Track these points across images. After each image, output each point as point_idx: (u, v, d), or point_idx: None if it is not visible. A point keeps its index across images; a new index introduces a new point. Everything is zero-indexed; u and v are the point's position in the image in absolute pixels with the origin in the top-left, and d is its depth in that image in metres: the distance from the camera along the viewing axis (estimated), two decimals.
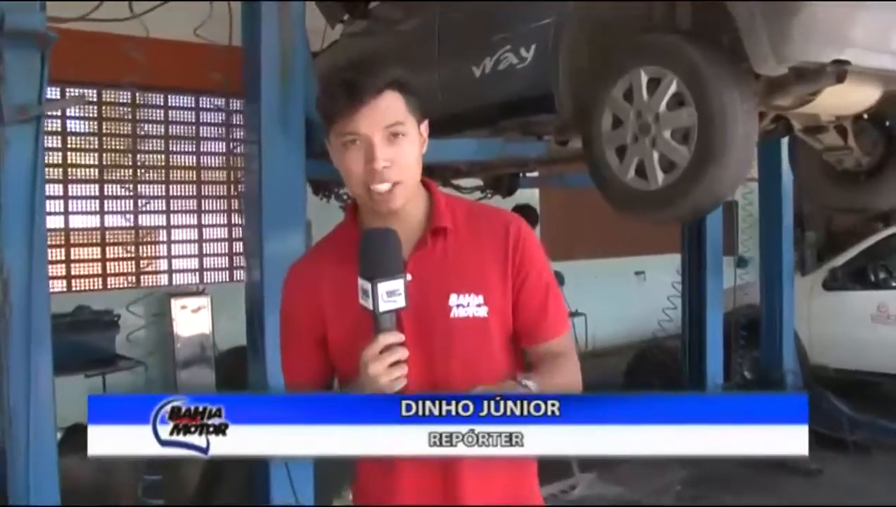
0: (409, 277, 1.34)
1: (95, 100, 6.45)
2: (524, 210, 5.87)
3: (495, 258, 1.47)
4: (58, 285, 6.28)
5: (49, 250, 2.79)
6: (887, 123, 3.62)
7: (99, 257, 6.74)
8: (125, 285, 6.82)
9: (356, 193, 1.44)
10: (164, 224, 7.08)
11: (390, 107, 1.39)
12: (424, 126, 1.48)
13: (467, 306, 1.45)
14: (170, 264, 7.14)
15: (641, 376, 6.11)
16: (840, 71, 2.58)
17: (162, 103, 6.93)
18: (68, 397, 2.60)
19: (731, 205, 6.89)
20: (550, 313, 1.52)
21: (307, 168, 3.40)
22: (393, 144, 1.38)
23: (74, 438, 3.47)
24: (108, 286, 6.78)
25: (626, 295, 9.37)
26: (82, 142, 6.59)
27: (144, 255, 7.07)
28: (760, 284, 6.31)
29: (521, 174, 6.04)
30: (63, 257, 6.49)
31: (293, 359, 1.59)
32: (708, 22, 2.82)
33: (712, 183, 2.63)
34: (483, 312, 1.45)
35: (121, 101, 6.68)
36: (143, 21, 3.31)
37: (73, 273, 6.59)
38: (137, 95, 6.54)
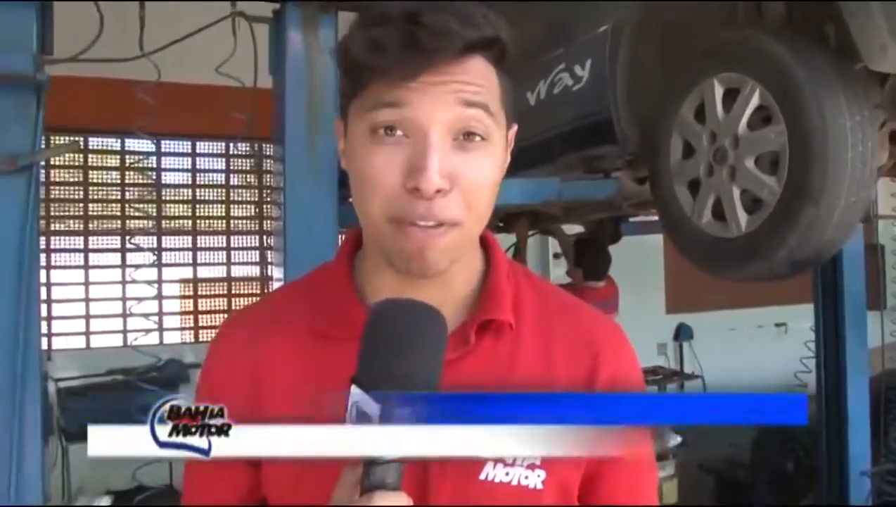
0: None
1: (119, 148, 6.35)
2: (596, 248, 5.17)
3: (572, 383, 0.93)
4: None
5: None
6: None
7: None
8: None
9: (370, 223, 0.87)
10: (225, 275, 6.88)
11: (476, 80, 0.83)
12: (512, 134, 0.92)
13: (512, 464, 0.88)
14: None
15: (769, 454, 5.32)
16: None
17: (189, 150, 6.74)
18: None
19: (876, 248, 6.01)
20: (641, 499, 0.98)
21: (341, 215, 3.00)
22: (464, 150, 0.83)
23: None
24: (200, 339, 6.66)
25: (764, 350, 8.50)
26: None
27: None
28: None
29: (626, 218, 5.37)
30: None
31: (200, 488, 0.98)
32: (806, 11, 2.14)
33: (811, 227, 1.92)
34: (537, 479, 0.89)
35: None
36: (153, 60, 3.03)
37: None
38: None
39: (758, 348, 8.76)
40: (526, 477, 0.88)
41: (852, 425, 4.58)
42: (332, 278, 0.96)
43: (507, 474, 0.88)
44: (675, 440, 5.52)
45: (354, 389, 0.74)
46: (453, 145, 0.82)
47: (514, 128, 0.93)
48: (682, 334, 8.93)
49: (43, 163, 3.32)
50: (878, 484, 4.62)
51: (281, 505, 0.92)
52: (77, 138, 5.45)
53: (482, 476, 0.87)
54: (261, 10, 3.18)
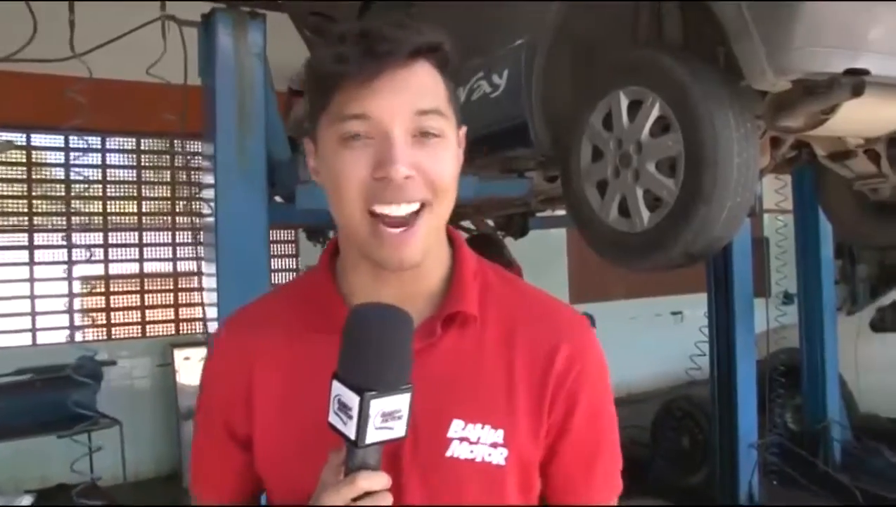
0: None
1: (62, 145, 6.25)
2: (483, 242, 5.33)
3: (531, 379, 0.99)
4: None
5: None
6: None
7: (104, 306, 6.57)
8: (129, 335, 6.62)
9: (349, 222, 0.95)
10: (171, 271, 6.85)
11: (427, 86, 0.93)
12: (462, 133, 1.02)
13: (476, 442, 0.96)
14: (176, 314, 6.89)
15: (667, 432, 5.62)
16: (856, 83, 2.10)
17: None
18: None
19: (762, 241, 6.42)
20: (597, 480, 1.07)
21: (270, 213, 3.11)
22: (423, 146, 0.92)
23: None
24: (113, 336, 6.57)
25: (662, 337, 8.90)
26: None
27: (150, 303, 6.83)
28: (799, 325, 5.84)
29: (534, 213, 5.57)
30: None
31: (205, 467, 1.10)
32: (700, 33, 2.40)
33: (703, 224, 2.18)
34: (499, 456, 0.96)
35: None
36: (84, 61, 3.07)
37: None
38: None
39: (656, 335, 9.17)
40: (489, 454, 0.95)
41: (741, 403, 4.89)
42: (315, 280, 1.05)
43: (471, 451, 0.95)
44: None
45: (336, 383, 0.84)
46: (413, 142, 0.91)
47: (464, 129, 1.02)
48: None
49: None
50: (764, 455, 4.99)
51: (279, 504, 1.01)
52: (13, 138, 5.38)
53: (448, 454, 0.94)
54: (190, 14, 3.24)
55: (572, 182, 2.60)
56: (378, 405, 0.82)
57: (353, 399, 0.82)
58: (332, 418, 0.84)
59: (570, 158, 2.60)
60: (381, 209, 0.92)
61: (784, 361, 5.78)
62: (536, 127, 2.80)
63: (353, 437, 0.82)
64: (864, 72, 2.09)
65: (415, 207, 0.92)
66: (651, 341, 9.03)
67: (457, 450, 0.95)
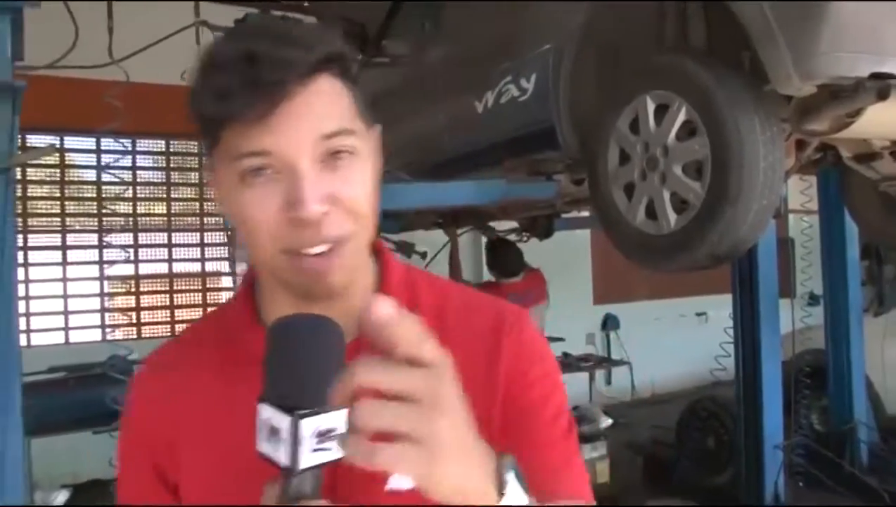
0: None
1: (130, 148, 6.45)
2: (504, 249, 5.32)
3: (473, 379, 0.77)
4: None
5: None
6: None
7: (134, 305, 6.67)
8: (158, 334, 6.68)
9: (264, 260, 0.85)
10: (200, 271, 6.95)
11: (330, 105, 0.81)
12: (378, 133, 0.90)
13: None
14: (204, 313, 6.96)
15: (692, 433, 5.63)
16: (882, 87, 2.14)
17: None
18: None
19: (787, 241, 6.39)
20: (565, 472, 0.94)
21: None
22: (334, 169, 0.81)
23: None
24: (143, 335, 6.65)
25: (687, 337, 8.88)
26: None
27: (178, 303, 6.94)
28: (825, 326, 5.83)
29: (559, 214, 5.59)
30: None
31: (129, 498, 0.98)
32: (725, 38, 2.43)
33: (729, 225, 2.22)
34: None
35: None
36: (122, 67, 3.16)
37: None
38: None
39: (680, 336, 9.13)
40: None
41: (766, 404, 4.90)
42: (233, 312, 0.96)
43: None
44: (607, 422, 5.83)
45: (263, 408, 0.72)
46: (322, 168, 0.80)
47: (379, 127, 0.90)
48: (609, 323, 9.24)
49: None
50: (790, 456, 4.99)
51: None
52: (53, 141, 5.49)
53: (389, 487, 0.81)
54: (224, 20, 3.32)
55: (600, 185, 2.65)
56: (311, 424, 0.70)
57: (282, 421, 0.70)
58: (262, 447, 0.73)
59: (598, 161, 2.64)
60: (294, 251, 0.82)
61: (810, 362, 5.75)
62: (564, 130, 2.85)
63: (286, 463, 0.71)
64: (891, 76, 2.12)
65: (328, 246, 0.83)
66: (675, 341, 9.00)
67: (395, 482, 0.81)
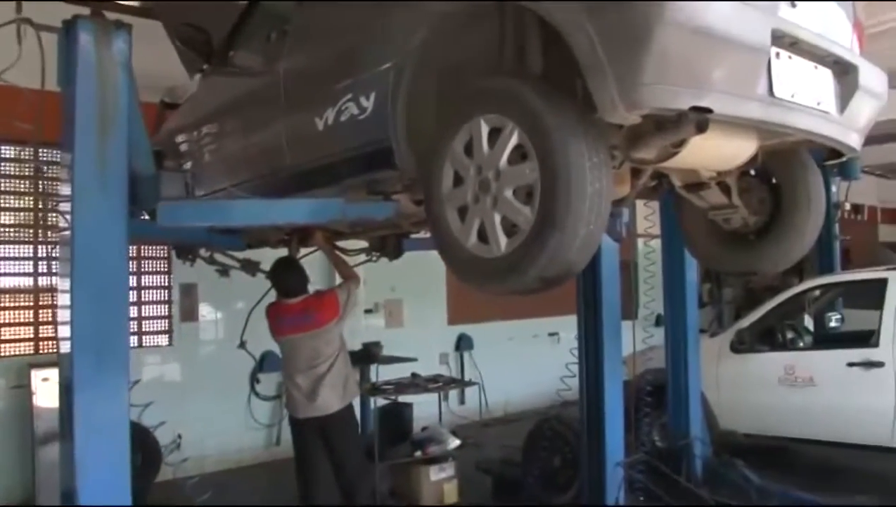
0: None
1: None
2: (283, 269, 5.07)
3: None
4: None
5: None
6: (774, 180, 3.30)
7: None
8: None
9: None
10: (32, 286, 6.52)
11: None
12: None
13: None
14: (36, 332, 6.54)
15: (539, 452, 5.71)
16: (700, 120, 2.20)
17: None
18: None
19: (630, 265, 6.63)
20: None
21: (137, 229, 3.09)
22: None
23: None
24: None
25: (539, 357, 9.06)
26: None
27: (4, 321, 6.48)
28: (666, 346, 6.07)
29: (408, 235, 5.53)
30: None
31: None
32: (560, 65, 2.45)
33: (557, 250, 2.21)
34: None
35: None
36: None
37: None
38: None
39: (533, 356, 9.32)
40: None
41: (609, 422, 5.04)
42: None
43: None
44: (455, 442, 5.83)
45: None
46: None
47: None
48: (463, 343, 9.32)
49: None
50: (630, 473, 5.14)
51: None
52: None
53: None
54: (49, 18, 3.10)
55: (434, 206, 2.61)
56: None
57: None
58: None
59: (433, 182, 2.60)
60: None
61: (651, 381, 5.98)
62: (401, 150, 2.80)
63: None
64: (708, 110, 2.18)
65: None
66: (528, 361, 9.18)
67: None
